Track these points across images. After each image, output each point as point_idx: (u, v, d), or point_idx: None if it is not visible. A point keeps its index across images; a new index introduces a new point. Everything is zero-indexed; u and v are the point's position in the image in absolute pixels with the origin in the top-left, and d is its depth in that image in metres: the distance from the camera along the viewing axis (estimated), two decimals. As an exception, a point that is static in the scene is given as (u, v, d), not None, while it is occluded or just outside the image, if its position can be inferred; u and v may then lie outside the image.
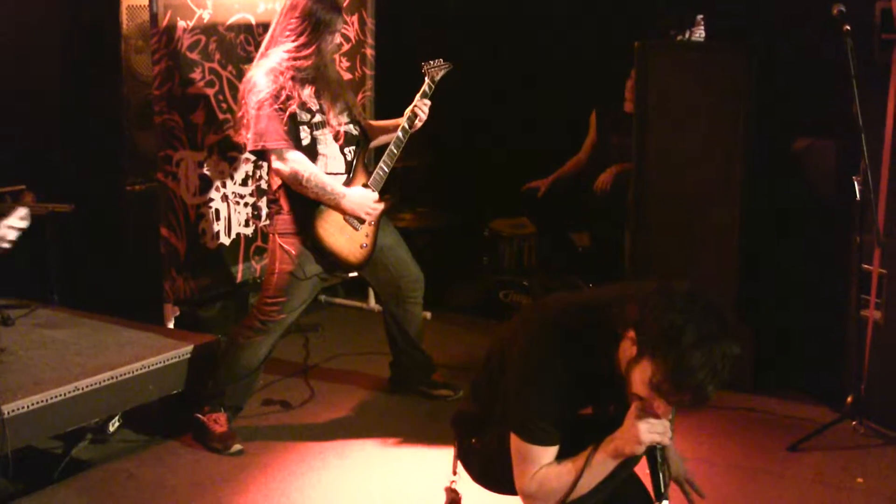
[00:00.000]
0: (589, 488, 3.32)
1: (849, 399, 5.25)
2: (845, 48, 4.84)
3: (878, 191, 5.15)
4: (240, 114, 5.04)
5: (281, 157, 4.92)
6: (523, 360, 3.34)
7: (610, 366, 3.23)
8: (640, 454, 3.29)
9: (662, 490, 3.26)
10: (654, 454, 3.28)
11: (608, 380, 3.25)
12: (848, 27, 4.83)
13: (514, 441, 3.36)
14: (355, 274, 5.62)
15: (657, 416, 3.18)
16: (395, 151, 5.23)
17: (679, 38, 5.83)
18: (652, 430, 3.21)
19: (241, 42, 5.89)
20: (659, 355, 3.03)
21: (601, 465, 3.31)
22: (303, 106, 4.98)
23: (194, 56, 5.60)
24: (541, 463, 3.34)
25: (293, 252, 5.03)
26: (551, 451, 3.34)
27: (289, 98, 4.91)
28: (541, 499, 3.37)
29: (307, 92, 5.01)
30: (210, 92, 5.72)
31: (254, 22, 5.94)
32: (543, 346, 3.31)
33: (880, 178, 5.16)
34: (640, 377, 3.11)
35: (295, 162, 4.92)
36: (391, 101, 5.96)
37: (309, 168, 4.95)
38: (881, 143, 5.14)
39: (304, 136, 5.00)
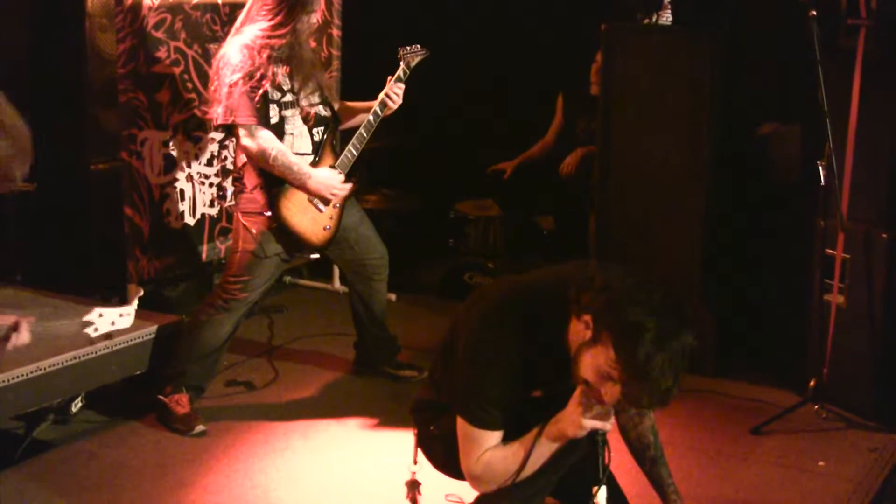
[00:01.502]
0: (534, 470, 3.35)
1: (811, 383, 5.29)
2: (811, 33, 4.85)
3: (843, 176, 5.18)
4: (212, 88, 5.02)
5: (250, 134, 4.90)
6: (472, 342, 3.35)
7: (559, 346, 3.24)
8: (582, 438, 3.30)
9: (600, 476, 3.28)
10: (595, 439, 3.29)
11: (557, 360, 3.25)
12: (814, 12, 4.85)
13: (460, 423, 3.38)
14: (317, 256, 5.62)
15: (601, 402, 3.19)
16: (365, 135, 5.22)
17: (646, 21, 5.83)
18: (594, 416, 3.23)
19: (208, 21, 5.85)
20: (618, 349, 3.04)
21: (545, 448, 3.33)
22: (275, 85, 4.96)
23: (160, 35, 5.56)
24: (486, 446, 3.36)
25: (255, 231, 5.02)
26: (496, 435, 3.36)
27: (263, 77, 4.89)
28: (487, 481, 3.41)
29: (280, 71, 4.99)
30: (175, 71, 5.68)
31: (219, 1, 5.90)
32: (492, 327, 3.32)
33: (844, 163, 5.18)
34: (592, 362, 3.12)
35: (263, 139, 4.90)
36: (358, 82, 5.95)
37: (277, 146, 4.93)
38: (846, 129, 5.16)
39: (273, 114, 4.98)
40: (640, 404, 3.25)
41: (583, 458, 3.41)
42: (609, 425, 3.27)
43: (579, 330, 3.16)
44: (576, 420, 3.24)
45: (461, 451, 3.42)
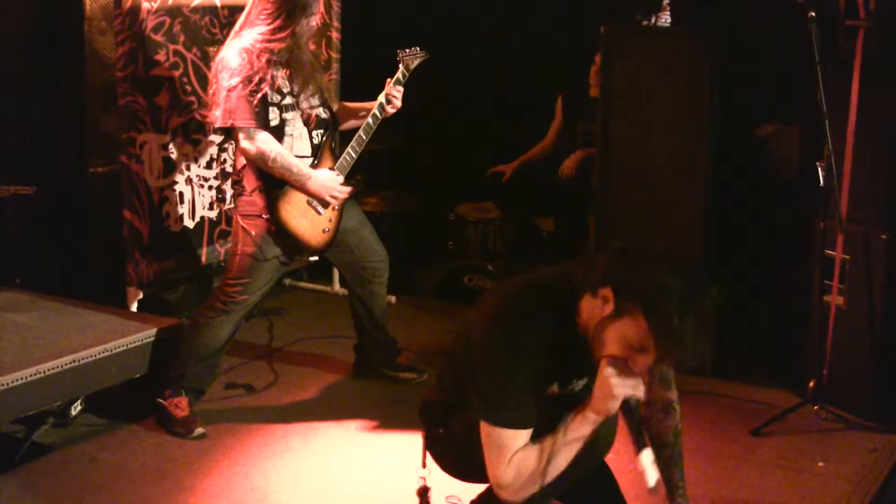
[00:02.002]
0: (567, 463, 3.24)
1: (811, 384, 5.29)
2: (810, 34, 4.86)
3: (842, 177, 5.18)
4: (210, 91, 5.02)
5: (249, 137, 4.90)
6: (487, 342, 3.29)
7: (573, 332, 3.21)
8: (615, 411, 3.23)
9: (644, 441, 3.23)
10: (630, 408, 3.24)
11: (573, 347, 3.22)
12: (813, 13, 4.85)
13: (484, 428, 3.26)
14: (315, 258, 5.61)
15: (630, 373, 3.14)
16: (364, 137, 5.23)
17: (645, 23, 5.83)
18: (625, 384, 3.14)
19: (206, 24, 5.86)
20: (648, 313, 3.00)
21: (578, 433, 3.23)
22: (274, 88, 4.96)
23: (158, 38, 5.57)
24: (514, 447, 3.24)
25: (254, 233, 5.02)
26: (524, 434, 3.24)
27: (262, 81, 4.89)
28: (518, 487, 3.26)
29: (280, 74, 4.99)
30: (174, 74, 5.69)
31: (218, 4, 5.91)
32: (505, 324, 3.27)
33: (843, 164, 5.19)
34: (617, 335, 3.08)
35: (262, 142, 4.90)
36: (357, 84, 5.95)
37: (276, 148, 4.93)
38: (845, 129, 5.16)
39: (273, 117, 4.98)
40: (677, 363, 3.20)
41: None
42: (641, 393, 3.19)
43: (596, 306, 3.11)
44: (608, 391, 3.14)
45: (488, 459, 3.29)
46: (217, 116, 4.94)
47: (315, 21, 5.09)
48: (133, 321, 5.21)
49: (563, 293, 3.23)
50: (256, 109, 4.90)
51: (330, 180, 5.12)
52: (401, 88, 5.28)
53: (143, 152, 5.56)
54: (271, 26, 4.92)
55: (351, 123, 5.42)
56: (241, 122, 4.88)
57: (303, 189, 5.03)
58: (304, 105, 5.11)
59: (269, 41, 4.91)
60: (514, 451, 3.25)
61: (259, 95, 4.89)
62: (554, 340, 3.23)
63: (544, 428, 3.28)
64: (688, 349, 3.03)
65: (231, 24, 5.27)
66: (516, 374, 3.22)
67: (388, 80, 5.29)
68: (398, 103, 5.28)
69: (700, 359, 3.08)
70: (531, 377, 3.23)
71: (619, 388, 3.15)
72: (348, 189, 5.19)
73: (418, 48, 5.39)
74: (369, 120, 5.23)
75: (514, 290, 3.42)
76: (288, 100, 5.04)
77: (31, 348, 4.76)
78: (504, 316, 3.31)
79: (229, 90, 4.86)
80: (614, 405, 3.19)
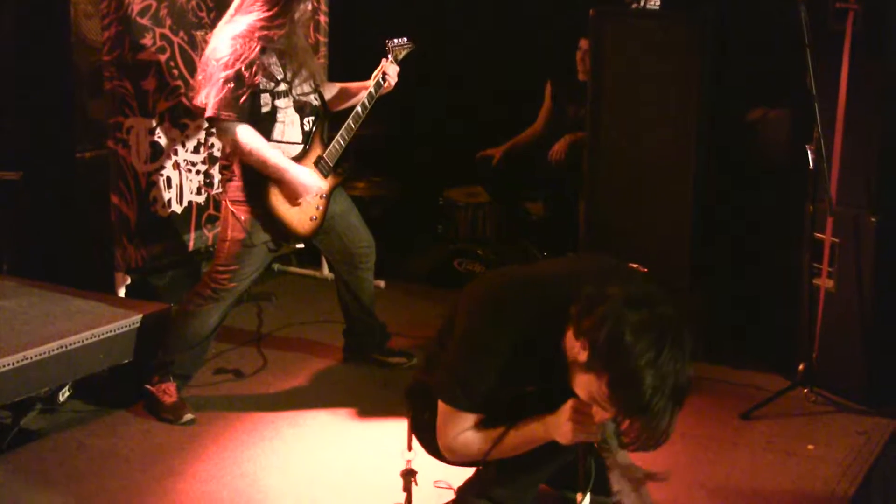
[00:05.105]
0: (510, 454, 3.42)
1: (801, 367, 5.29)
2: (800, 17, 4.84)
3: (831, 159, 5.17)
4: (199, 77, 4.98)
5: (228, 129, 4.85)
6: (468, 328, 3.37)
7: (555, 348, 3.22)
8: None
9: (587, 484, 3.30)
10: (585, 448, 3.31)
11: (550, 360, 3.24)
12: (802, -5, 4.85)
13: (440, 403, 3.44)
14: (302, 245, 5.58)
15: (591, 418, 3.21)
16: (353, 126, 5.21)
17: (634, 6, 5.81)
18: (582, 431, 3.25)
19: (193, 8, 5.83)
20: (614, 391, 3.04)
21: (527, 443, 3.39)
22: (267, 74, 4.93)
23: (145, 21, 5.54)
24: (464, 426, 3.41)
25: (243, 219, 4.99)
26: (475, 417, 3.42)
27: (250, 68, 4.82)
28: (461, 455, 3.50)
29: (273, 60, 4.96)
30: (161, 58, 5.67)
31: (206, -13, 5.89)
32: (490, 317, 3.32)
33: (833, 147, 5.18)
34: (585, 385, 3.13)
35: (240, 135, 4.85)
36: (345, 68, 5.92)
37: (253, 143, 4.86)
38: (835, 112, 5.15)
39: (265, 103, 4.94)
40: (632, 444, 3.24)
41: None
42: (597, 437, 3.29)
43: (575, 346, 3.14)
44: (565, 432, 3.27)
45: (439, 425, 3.47)
46: (204, 103, 4.91)
47: (310, 5, 5.06)
48: (121, 307, 5.19)
49: (554, 302, 3.24)
50: (242, 101, 4.85)
51: (308, 182, 5.03)
52: (397, 67, 5.27)
53: (130, 137, 5.54)
54: (269, 13, 4.86)
55: (344, 104, 5.39)
56: (222, 114, 4.84)
57: (281, 181, 4.97)
58: (297, 91, 5.08)
59: (264, 28, 4.85)
60: (463, 429, 3.43)
61: (246, 86, 4.83)
62: (531, 346, 3.29)
63: (503, 417, 3.41)
64: (648, 433, 3.08)
65: (218, 7, 5.24)
66: (483, 368, 3.33)
67: (385, 59, 5.26)
68: (393, 80, 5.26)
69: (657, 444, 3.14)
70: (497, 374, 3.32)
71: (574, 434, 3.26)
72: (324, 200, 5.16)
73: (406, 38, 5.37)
74: (364, 100, 5.22)
75: (507, 284, 3.46)
76: (282, 86, 5.00)
77: (18, 334, 4.74)
78: (488, 309, 3.36)
79: (216, 79, 4.82)
80: (566, 442, 3.30)
